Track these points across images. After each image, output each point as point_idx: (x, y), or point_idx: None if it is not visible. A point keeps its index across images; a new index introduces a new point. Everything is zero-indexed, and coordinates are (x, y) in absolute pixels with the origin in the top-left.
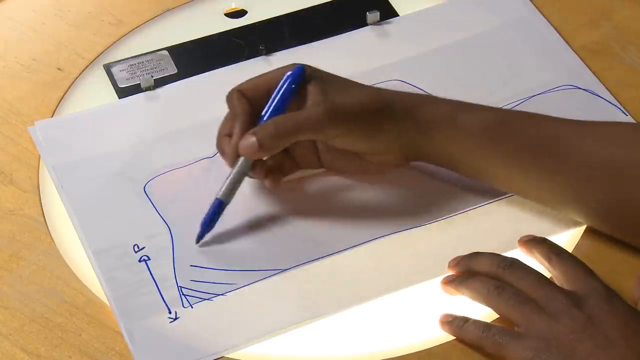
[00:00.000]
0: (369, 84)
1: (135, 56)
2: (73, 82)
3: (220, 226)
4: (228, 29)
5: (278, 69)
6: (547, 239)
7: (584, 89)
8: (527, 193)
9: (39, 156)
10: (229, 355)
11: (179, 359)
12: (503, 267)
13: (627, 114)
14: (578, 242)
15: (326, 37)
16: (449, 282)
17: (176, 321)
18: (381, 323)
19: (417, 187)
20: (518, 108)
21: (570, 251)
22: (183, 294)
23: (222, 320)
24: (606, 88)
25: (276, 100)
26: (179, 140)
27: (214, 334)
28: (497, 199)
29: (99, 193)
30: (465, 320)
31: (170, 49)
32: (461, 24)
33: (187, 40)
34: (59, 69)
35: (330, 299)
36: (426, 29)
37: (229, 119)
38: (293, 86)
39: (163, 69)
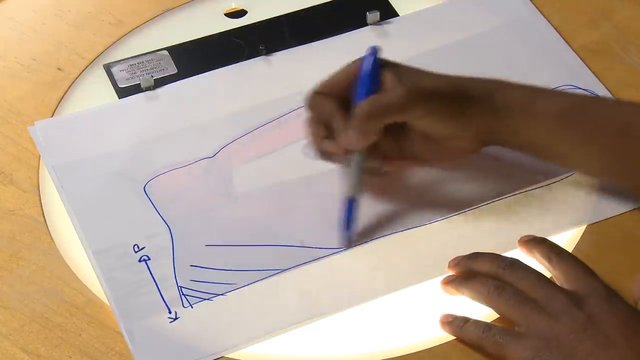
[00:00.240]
0: None
1: (135, 56)
2: (73, 82)
3: (220, 225)
4: (228, 29)
5: (349, 63)
6: (547, 239)
7: (584, 89)
8: (602, 176)
9: (39, 156)
10: (229, 355)
11: (179, 359)
12: (503, 267)
13: None
14: (578, 242)
15: (326, 37)
16: (449, 282)
17: (176, 321)
18: (381, 323)
19: (417, 187)
20: None
21: (570, 251)
22: (183, 294)
23: (222, 320)
24: (606, 88)
25: (362, 85)
26: (179, 140)
27: (214, 334)
28: (497, 199)
29: (99, 193)
30: (466, 320)
31: (170, 49)
32: (461, 24)
33: (187, 40)
34: (59, 69)
35: (330, 299)
36: (426, 29)
37: (316, 122)
38: (375, 68)
39: (163, 69)
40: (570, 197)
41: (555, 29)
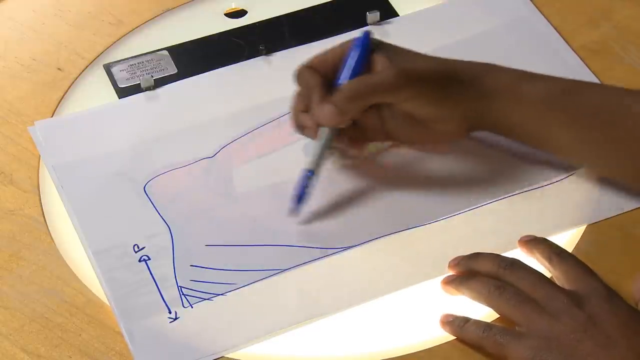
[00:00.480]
0: None
1: (135, 56)
2: (73, 82)
3: (220, 225)
4: (228, 29)
5: (342, 42)
6: (547, 239)
7: None
8: (589, 161)
9: (39, 156)
10: (229, 355)
11: (179, 359)
12: (504, 267)
13: None
14: (578, 242)
15: (326, 37)
16: (449, 282)
17: (176, 321)
18: (381, 323)
19: (417, 187)
20: None
21: (570, 251)
22: (183, 294)
23: (222, 320)
24: None
25: (348, 66)
26: (179, 140)
27: (214, 334)
28: (497, 199)
29: (99, 193)
30: (466, 320)
31: (170, 49)
32: (461, 24)
33: (187, 40)
34: (59, 69)
35: (330, 299)
36: (426, 29)
37: (301, 95)
38: (364, 52)
39: (163, 69)
40: (570, 197)
41: (555, 29)
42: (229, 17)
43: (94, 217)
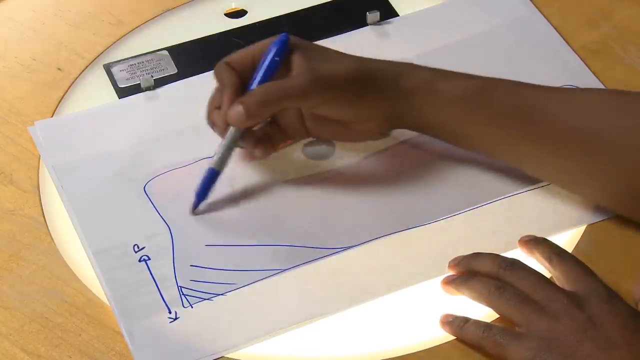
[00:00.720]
0: None
1: (135, 56)
2: (73, 82)
3: (220, 225)
4: (228, 29)
5: (263, 40)
6: (547, 239)
7: None
8: (507, 159)
9: (39, 156)
10: (229, 355)
11: (179, 359)
12: (504, 268)
13: None
14: (578, 242)
15: (326, 37)
16: (449, 282)
17: (176, 321)
18: (381, 323)
19: (417, 187)
20: None
21: (570, 251)
22: (183, 294)
23: (222, 320)
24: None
25: (262, 69)
26: (179, 140)
27: (214, 334)
28: (497, 199)
29: (99, 193)
30: (466, 320)
31: (170, 49)
32: (461, 24)
33: (187, 40)
34: (59, 69)
35: (330, 299)
36: (426, 29)
37: (217, 91)
38: (278, 55)
39: (163, 69)
40: (570, 197)
41: (555, 29)
42: (229, 17)
43: (94, 217)
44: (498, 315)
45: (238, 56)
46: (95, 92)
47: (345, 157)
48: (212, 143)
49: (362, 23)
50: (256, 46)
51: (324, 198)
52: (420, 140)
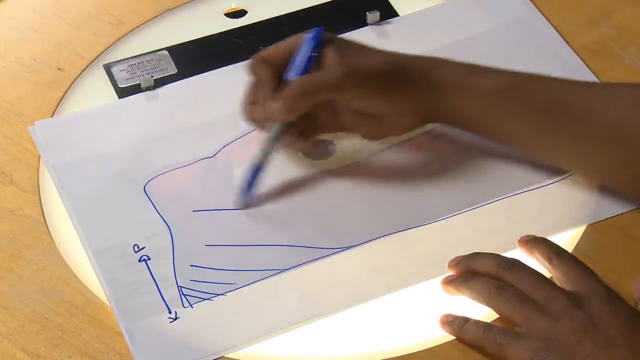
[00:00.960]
0: None
1: (135, 56)
2: (73, 82)
3: (220, 225)
4: (228, 29)
5: (298, 34)
6: (547, 239)
7: None
8: (540, 154)
9: (39, 156)
10: (229, 355)
11: (179, 359)
12: (504, 268)
13: None
14: (578, 242)
15: None
16: (449, 282)
17: (176, 321)
18: (381, 323)
19: (417, 186)
20: None
21: (570, 251)
22: (183, 294)
23: (222, 320)
24: None
25: (298, 63)
26: (179, 140)
27: (214, 334)
28: (497, 199)
29: (99, 193)
30: (466, 320)
31: (170, 49)
32: (461, 24)
33: (187, 40)
34: (59, 69)
35: (330, 299)
36: (426, 29)
37: (253, 87)
38: (313, 48)
39: (163, 69)
40: (570, 197)
41: (555, 29)
42: (229, 17)
43: (94, 217)
44: (498, 315)
45: (272, 51)
46: (95, 92)
47: (345, 157)
48: (212, 143)
49: (362, 23)
50: (290, 40)
51: (324, 198)
52: (420, 140)
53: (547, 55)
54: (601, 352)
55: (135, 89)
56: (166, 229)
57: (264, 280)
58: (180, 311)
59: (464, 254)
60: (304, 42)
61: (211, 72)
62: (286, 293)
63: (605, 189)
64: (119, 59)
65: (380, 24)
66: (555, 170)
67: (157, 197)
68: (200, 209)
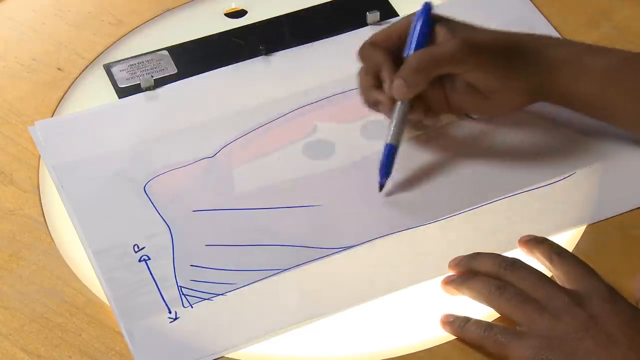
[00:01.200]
0: None
1: (135, 56)
2: (73, 82)
3: (220, 225)
4: (228, 29)
5: (404, 17)
6: (547, 239)
7: None
8: None
9: (39, 156)
10: (229, 355)
11: (179, 359)
12: (504, 267)
13: None
14: (578, 242)
15: (326, 37)
16: (449, 282)
17: (176, 321)
18: (381, 323)
19: (417, 187)
20: None
21: (570, 251)
22: (183, 294)
23: (222, 320)
24: None
25: (413, 40)
26: (179, 140)
27: (214, 334)
28: (497, 199)
29: (99, 193)
30: (467, 320)
31: (170, 49)
32: None
33: (187, 40)
34: (59, 69)
35: (330, 299)
36: None
37: (367, 73)
38: (426, 25)
39: (163, 69)
40: (570, 197)
41: (555, 29)
42: (229, 17)
43: (94, 217)
44: (499, 315)
45: (382, 35)
46: (95, 92)
47: (344, 157)
48: (212, 143)
49: (362, 23)
50: (399, 23)
51: (324, 198)
52: (420, 141)
53: None
54: (603, 350)
55: (135, 89)
56: (166, 229)
57: (263, 280)
58: (180, 311)
59: (464, 254)
60: (415, 19)
61: (211, 72)
62: (286, 293)
63: (605, 189)
64: (119, 59)
65: (380, 24)
66: (555, 170)
67: (157, 197)
68: (200, 209)
